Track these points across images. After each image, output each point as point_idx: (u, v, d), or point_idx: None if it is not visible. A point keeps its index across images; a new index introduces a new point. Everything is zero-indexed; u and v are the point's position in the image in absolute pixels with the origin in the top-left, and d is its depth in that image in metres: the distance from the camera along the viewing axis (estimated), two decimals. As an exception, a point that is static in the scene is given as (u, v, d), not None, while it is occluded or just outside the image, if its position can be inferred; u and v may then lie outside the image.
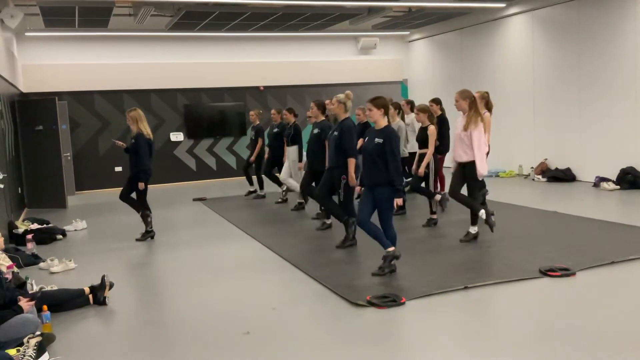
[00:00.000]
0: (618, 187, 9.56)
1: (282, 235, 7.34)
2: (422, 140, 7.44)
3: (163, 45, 13.32)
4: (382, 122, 5.27)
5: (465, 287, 4.86)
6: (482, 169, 6.21)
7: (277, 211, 9.21)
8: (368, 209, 5.33)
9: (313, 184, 7.61)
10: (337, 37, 14.68)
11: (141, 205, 7.39)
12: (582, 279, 5.00)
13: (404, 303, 4.54)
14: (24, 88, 12.14)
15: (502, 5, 11.61)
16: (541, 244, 6.22)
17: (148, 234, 7.48)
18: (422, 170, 7.30)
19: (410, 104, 9.76)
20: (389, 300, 4.57)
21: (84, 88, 12.74)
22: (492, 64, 12.54)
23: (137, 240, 7.42)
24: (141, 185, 7.20)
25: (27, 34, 11.98)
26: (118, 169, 13.14)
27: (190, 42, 13.50)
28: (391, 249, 5.33)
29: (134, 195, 7.42)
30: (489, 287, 4.88)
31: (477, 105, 6.27)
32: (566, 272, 5.08)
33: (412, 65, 15.47)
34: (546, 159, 11.23)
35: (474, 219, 6.41)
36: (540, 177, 11.05)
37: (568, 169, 10.81)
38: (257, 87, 14.23)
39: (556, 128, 10.99)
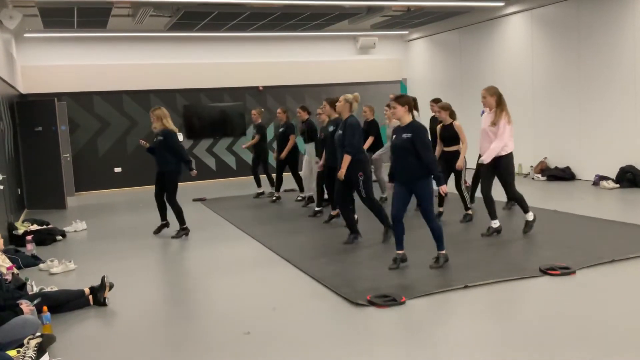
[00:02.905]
0: (617, 185, 9.56)
1: (283, 235, 7.33)
2: (446, 138, 7.40)
3: (162, 46, 13.31)
4: (407, 119, 5.41)
5: (466, 286, 4.86)
6: (488, 157, 6.35)
7: (277, 211, 9.21)
8: (401, 204, 5.45)
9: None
10: (336, 36, 14.68)
11: (171, 204, 7.49)
12: (582, 278, 5.00)
13: (404, 302, 4.54)
14: (23, 89, 12.13)
15: (501, 4, 11.61)
16: (541, 242, 6.23)
17: (183, 231, 7.57)
18: (460, 163, 7.34)
19: (414, 101, 9.75)
20: (390, 299, 4.57)
21: (83, 89, 12.74)
22: (491, 62, 12.54)
23: (173, 237, 7.49)
24: (194, 173, 7.53)
25: (26, 35, 11.97)
26: (117, 169, 13.15)
27: (189, 42, 13.49)
28: (401, 252, 5.53)
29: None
30: (489, 285, 4.89)
31: (504, 101, 6.41)
32: (566, 271, 5.08)
33: (411, 64, 15.47)
34: (546, 158, 11.23)
35: (525, 207, 6.55)
36: (539, 175, 11.06)
37: (567, 168, 10.81)
38: (257, 87, 14.23)
39: (555, 127, 11.00)
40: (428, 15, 12.45)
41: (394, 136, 5.49)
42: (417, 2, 10.90)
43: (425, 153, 5.24)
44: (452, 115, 7.42)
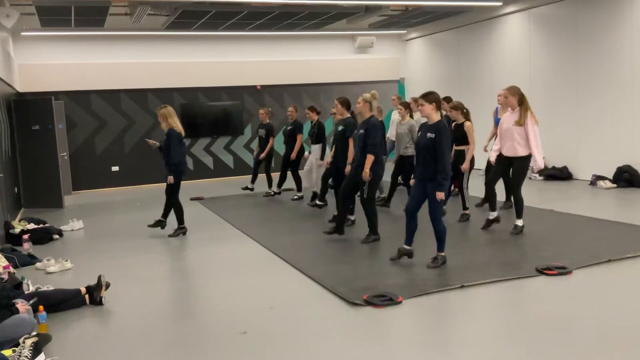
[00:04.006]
0: (615, 185, 9.57)
1: (280, 234, 7.33)
2: (457, 137, 7.44)
3: (159, 45, 13.29)
4: (435, 117, 5.41)
5: (462, 286, 4.86)
6: (540, 162, 6.45)
7: (275, 210, 9.20)
8: (417, 201, 5.52)
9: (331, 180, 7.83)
10: (334, 36, 14.67)
11: (172, 202, 7.53)
12: (578, 278, 5.01)
13: (400, 302, 4.55)
14: (20, 88, 12.11)
15: (499, 3, 11.61)
16: (538, 242, 6.24)
17: (180, 230, 7.59)
18: (466, 166, 7.38)
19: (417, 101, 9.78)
20: (386, 299, 4.57)
21: (80, 87, 12.71)
22: (489, 62, 12.55)
23: (170, 236, 7.50)
24: (170, 179, 7.35)
25: (23, 33, 11.94)
26: (115, 168, 13.13)
27: (186, 41, 13.47)
28: (409, 247, 5.64)
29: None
30: (486, 285, 4.89)
31: (526, 100, 6.46)
32: (562, 271, 5.09)
33: (409, 63, 15.47)
34: (543, 157, 11.22)
35: (520, 212, 6.63)
36: (537, 175, 11.06)
37: (565, 167, 10.82)
38: (254, 86, 14.21)
39: (553, 126, 11.00)
40: (426, 14, 12.44)
41: (419, 133, 5.53)
42: (415, 1, 10.90)
43: (442, 156, 5.25)
44: (466, 114, 7.46)
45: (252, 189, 10.79)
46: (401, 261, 5.66)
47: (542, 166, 6.52)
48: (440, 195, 5.28)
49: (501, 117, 6.85)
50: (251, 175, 10.87)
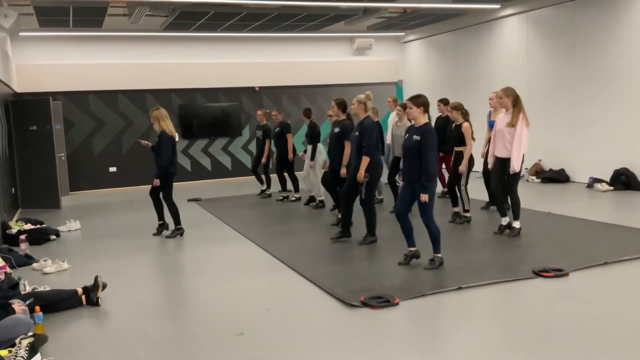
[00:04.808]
0: (611, 188, 9.59)
1: (277, 236, 7.33)
2: (456, 137, 7.46)
3: (158, 45, 13.29)
4: (422, 120, 5.45)
5: (459, 288, 4.87)
6: (516, 164, 6.38)
7: (272, 212, 9.20)
8: (406, 203, 5.56)
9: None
10: (333, 37, 14.68)
11: (167, 203, 7.52)
12: (575, 280, 5.02)
13: (397, 303, 4.55)
14: (18, 88, 12.09)
15: (497, 6, 11.64)
16: (535, 244, 6.24)
17: (177, 231, 7.59)
18: (463, 167, 7.39)
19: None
20: (383, 300, 4.57)
21: (78, 88, 12.70)
22: (487, 64, 12.57)
23: (167, 237, 7.52)
24: (156, 182, 7.33)
25: (21, 33, 11.94)
26: (112, 169, 13.12)
27: (185, 42, 13.48)
28: (413, 248, 5.68)
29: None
30: (483, 287, 4.89)
31: (521, 102, 6.46)
32: (559, 273, 5.09)
33: (407, 66, 15.49)
34: (540, 160, 11.26)
35: (517, 214, 6.61)
36: (534, 178, 11.08)
37: (562, 170, 10.84)
38: (253, 88, 14.21)
39: (550, 129, 11.02)
40: (424, 17, 12.47)
41: (406, 135, 5.56)
42: (413, 4, 10.92)
43: (426, 158, 5.27)
44: (465, 115, 7.48)
45: (269, 194, 10.58)
46: (398, 263, 5.66)
47: (517, 170, 6.45)
48: (424, 197, 5.30)
49: (495, 119, 6.86)
50: (258, 181, 10.78)
